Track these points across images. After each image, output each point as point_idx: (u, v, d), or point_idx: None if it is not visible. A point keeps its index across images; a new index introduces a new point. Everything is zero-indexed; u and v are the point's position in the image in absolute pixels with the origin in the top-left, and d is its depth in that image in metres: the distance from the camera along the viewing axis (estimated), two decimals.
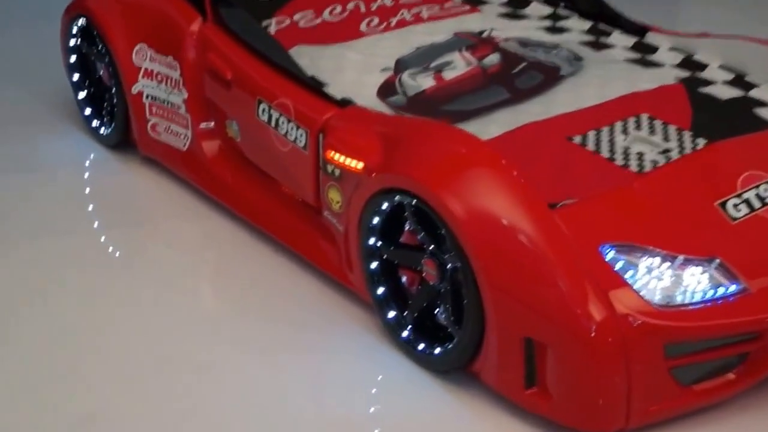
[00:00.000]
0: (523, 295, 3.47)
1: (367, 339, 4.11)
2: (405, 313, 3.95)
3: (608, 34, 4.89)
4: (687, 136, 4.02)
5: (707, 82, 4.42)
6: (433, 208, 3.65)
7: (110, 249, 4.85)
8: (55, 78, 5.86)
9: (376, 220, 3.93)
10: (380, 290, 4.00)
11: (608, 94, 4.32)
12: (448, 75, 4.55)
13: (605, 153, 3.94)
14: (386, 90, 4.49)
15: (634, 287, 3.44)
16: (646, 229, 3.59)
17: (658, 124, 4.10)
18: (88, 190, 5.33)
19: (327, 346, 4.12)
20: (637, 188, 3.73)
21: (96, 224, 5.07)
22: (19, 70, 6.51)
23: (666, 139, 4.01)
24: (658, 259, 3.50)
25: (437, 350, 3.81)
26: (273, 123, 4.40)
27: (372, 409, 3.84)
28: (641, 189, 3.73)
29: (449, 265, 3.72)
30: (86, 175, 5.39)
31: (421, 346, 3.88)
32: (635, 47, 4.77)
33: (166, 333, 4.21)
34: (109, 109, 5.32)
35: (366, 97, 4.41)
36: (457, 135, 3.88)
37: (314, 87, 4.37)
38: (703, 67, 4.54)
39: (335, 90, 4.40)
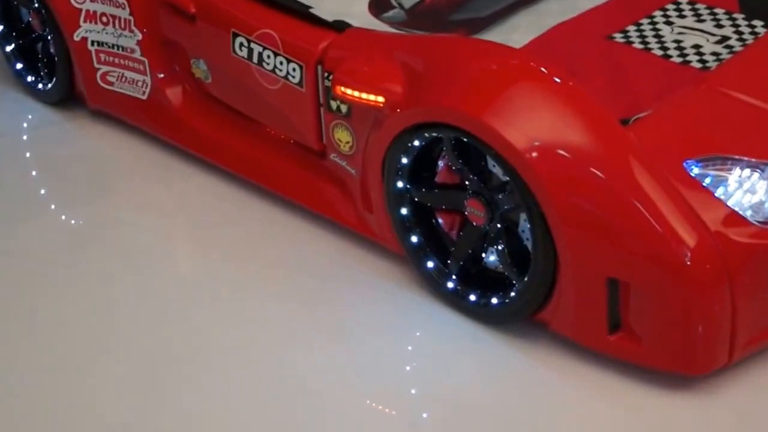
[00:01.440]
0: (605, 230, 3.06)
1: (397, 292, 3.67)
2: (448, 261, 3.52)
3: None
4: (740, 19, 3.61)
5: None
6: (486, 142, 3.18)
7: (73, 225, 4.26)
8: None
9: (405, 160, 3.45)
10: (414, 238, 3.56)
11: None
12: None
13: (657, 50, 3.51)
14: (378, 4, 3.98)
15: (728, 204, 3.05)
16: (727, 137, 3.20)
17: (702, 8, 3.68)
18: (34, 157, 4.70)
19: (349, 305, 3.67)
20: (710, 89, 3.31)
21: (52, 198, 4.47)
22: None
23: (719, 25, 3.59)
24: (747, 170, 3.11)
25: (494, 300, 3.39)
26: (255, 59, 3.86)
27: (408, 368, 3.44)
28: (714, 90, 3.31)
29: (505, 206, 3.29)
30: (30, 139, 4.75)
31: (472, 297, 3.45)
32: None
33: (168, 310, 3.73)
34: (46, 61, 4.73)
35: (357, 15, 3.89)
36: (495, 49, 3.41)
37: (299, 11, 3.83)
38: None
39: (321, 12, 3.85)
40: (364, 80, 3.53)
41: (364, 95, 3.52)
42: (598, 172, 3.06)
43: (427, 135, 3.36)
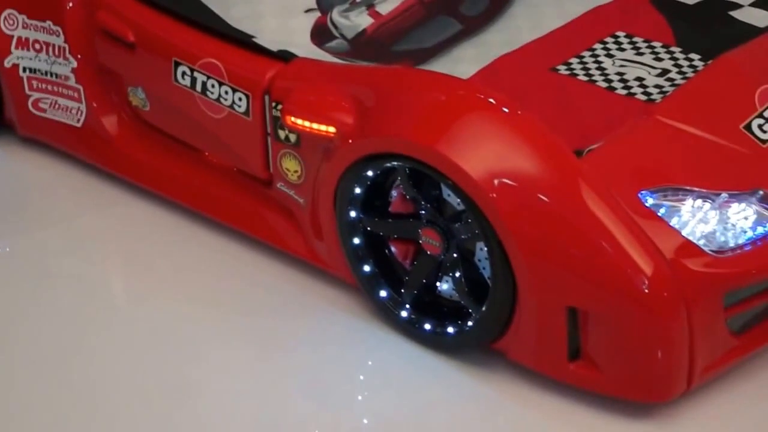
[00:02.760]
0: (563, 259, 3.02)
1: (344, 321, 3.57)
2: (402, 290, 3.43)
3: None
4: (678, 53, 3.59)
5: None
6: (442, 171, 3.12)
7: (3, 252, 4.03)
8: None
9: (358, 190, 3.36)
10: (367, 267, 3.46)
11: (570, 12, 3.83)
12: (383, 9, 3.94)
13: (601, 82, 3.48)
14: (321, 34, 3.86)
15: (683, 233, 3.04)
16: (678, 168, 3.19)
17: (639, 42, 3.66)
18: None
19: (298, 336, 3.55)
20: (657, 122, 3.28)
21: None
22: None
23: (657, 58, 3.57)
24: (699, 201, 3.10)
25: (450, 329, 3.32)
26: (198, 87, 3.72)
27: (360, 397, 3.35)
28: (661, 122, 3.28)
29: (462, 235, 3.23)
30: None
31: (427, 326, 3.37)
32: None
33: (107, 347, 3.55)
34: None
35: (300, 45, 3.77)
36: (443, 80, 3.34)
37: (243, 41, 3.71)
38: None
39: (264, 41, 3.72)
40: (314, 111, 3.43)
41: (315, 125, 3.42)
42: (555, 202, 3.02)
43: (383, 165, 3.28)
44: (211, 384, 3.40)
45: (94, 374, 3.47)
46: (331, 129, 3.37)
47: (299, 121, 3.44)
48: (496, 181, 3.07)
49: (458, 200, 3.21)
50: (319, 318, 3.61)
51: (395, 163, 3.27)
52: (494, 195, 3.07)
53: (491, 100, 3.22)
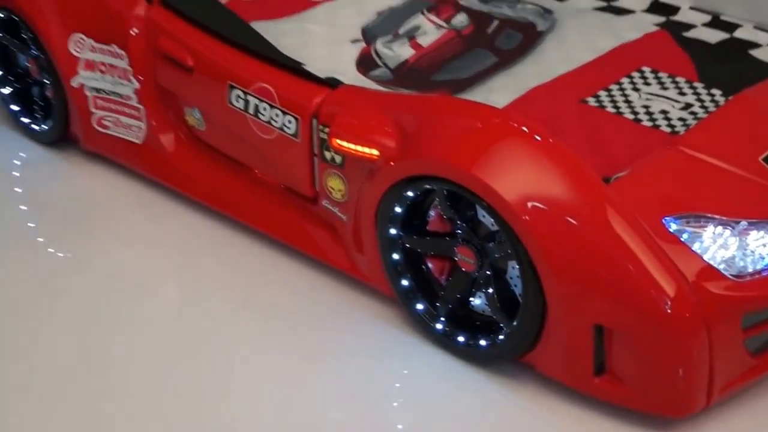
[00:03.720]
0: (591, 279, 2.91)
1: (382, 331, 3.46)
2: (437, 304, 3.33)
3: None
4: (700, 88, 3.48)
5: (688, 26, 3.89)
6: (478, 194, 3.02)
7: (61, 257, 3.95)
8: None
9: (398, 209, 3.27)
10: (405, 282, 3.36)
11: (598, 47, 3.73)
12: (424, 41, 3.86)
13: (628, 114, 3.37)
14: (366, 63, 3.77)
15: (704, 258, 2.92)
16: (700, 196, 3.07)
17: (664, 77, 3.55)
18: (26, 192, 4.37)
19: (339, 344, 3.46)
20: (681, 152, 3.18)
21: (41, 231, 4.13)
22: None
23: (681, 93, 3.46)
24: (720, 228, 2.98)
25: (483, 342, 3.22)
26: (251, 110, 3.64)
27: (395, 404, 3.23)
28: (685, 153, 3.18)
29: (495, 254, 3.12)
30: (22, 176, 4.43)
31: (461, 338, 3.27)
32: None
33: (160, 342, 3.48)
34: (42, 104, 4.43)
35: (346, 73, 3.69)
36: (479, 109, 3.24)
37: (293, 67, 3.62)
38: (674, 10, 4.00)
39: (313, 68, 3.63)
40: (359, 134, 3.34)
41: (359, 148, 3.33)
42: (584, 225, 2.92)
43: (423, 187, 3.19)
44: (250, 384, 3.31)
45: (144, 370, 3.39)
46: (375, 152, 3.28)
47: (345, 144, 3.35)
48: (528, 204, 2.97)
49: (492, 221, 3.11)
50: (358, 327, 3.51)
51: (434, 185, 3.19)
52: (527, 217, 2.97)
53: (524, 128, 3.12)
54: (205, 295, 3.73)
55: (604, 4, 4.09)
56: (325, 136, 3.45)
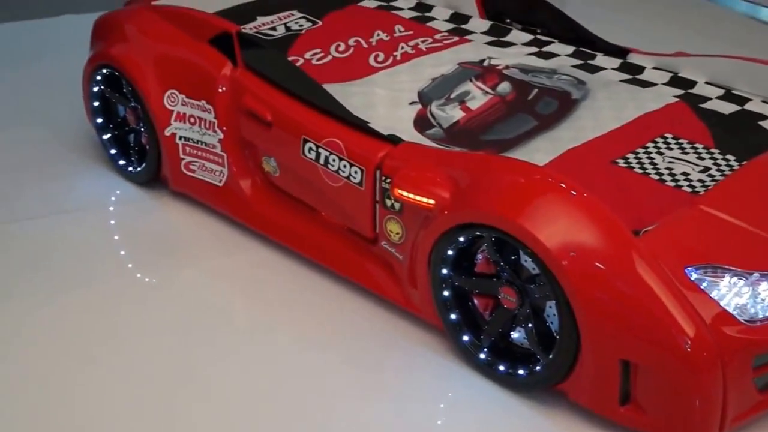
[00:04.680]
0: (620, 320, 2.97)
1: (431, 358, 3.52)
2: (481, 336, 3.40)
3: (593, 57, 4.33)
4: (717, 153, 3.55)
5: (704, 98, 3.93)
6: (522, 241, 3.10)
7: (147, 282, 4.05)
8: (72, 118, 4.96)
9: (450, 252, 3.35)
10: (453, 316, 3.43)
11: (625, 116, 3.80)
12: (473, 105, 3.95)
13: (653, 175, 3.44)
14: (422, 123, 3.87)
15: (721, 304, 2.98)
16: (718, 250, 3.12)
17: (684, 143, 3.62)
18: (118, 225, 4.46)
19: (392, 369, 3.52)
20: (701, 211, 3.24)
21: (130, 258, 4.24)
22: (33, 110, 5.38)
23: (700, 157, 3.53)
24: (735, 278, 3.04)
25: (521, 371, 3.28)
26: (322, 161, 3.74)
27: (439, 422, 3.29)
28: (704, 211, 3.24)
29: (535, 295, 3.19)
30: (116, 210, 4.52)
31: (501, 367, 3.34)
32: (622, 68, 4.24)
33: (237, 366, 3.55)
34: (137, 149, 4.55)
35: (405, 131, 3.79)
36: (522, 166, 3.32)
37: (360, 125, 3.74)
38: (691, 84, 4.05)
39: (377, 126, 3.74)
40: (418, 186, 3.42)
41: (418, 198, 3.41)
42: (615, 271, 2.99)
43: (471, 233, 3.27)
44: (317, 413, 3.35)
45: (221, 392, 3.46)
46: (431, 201, 3.36)
47: (405, 193, 3.43)
48: (567, 252, 3.04)
49: (534, 266, 3.19)
50: (409, 355, 3.57)
51: (483, 232, 3.26)
52: (565, 263, 3.04)
53: (562, 184, 3.20)
54: (273, 323, 3.79)
55: (630, 77, 4.15)
56: (386, 186, 3.54)
